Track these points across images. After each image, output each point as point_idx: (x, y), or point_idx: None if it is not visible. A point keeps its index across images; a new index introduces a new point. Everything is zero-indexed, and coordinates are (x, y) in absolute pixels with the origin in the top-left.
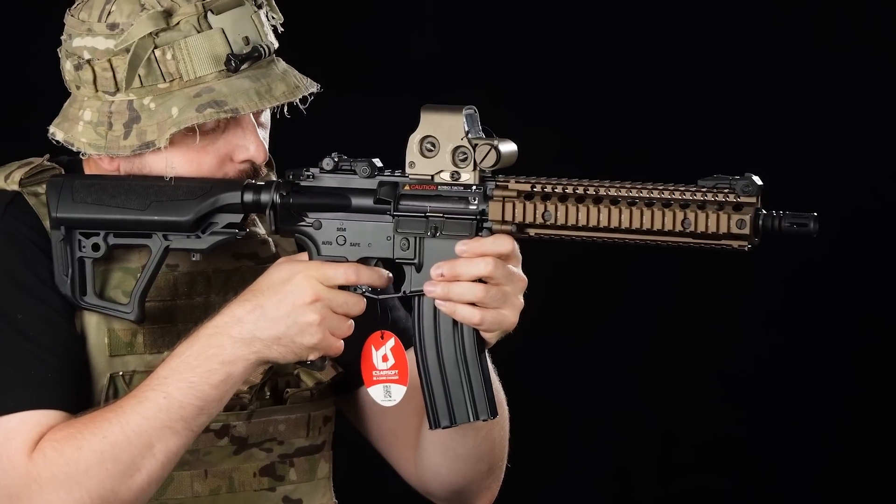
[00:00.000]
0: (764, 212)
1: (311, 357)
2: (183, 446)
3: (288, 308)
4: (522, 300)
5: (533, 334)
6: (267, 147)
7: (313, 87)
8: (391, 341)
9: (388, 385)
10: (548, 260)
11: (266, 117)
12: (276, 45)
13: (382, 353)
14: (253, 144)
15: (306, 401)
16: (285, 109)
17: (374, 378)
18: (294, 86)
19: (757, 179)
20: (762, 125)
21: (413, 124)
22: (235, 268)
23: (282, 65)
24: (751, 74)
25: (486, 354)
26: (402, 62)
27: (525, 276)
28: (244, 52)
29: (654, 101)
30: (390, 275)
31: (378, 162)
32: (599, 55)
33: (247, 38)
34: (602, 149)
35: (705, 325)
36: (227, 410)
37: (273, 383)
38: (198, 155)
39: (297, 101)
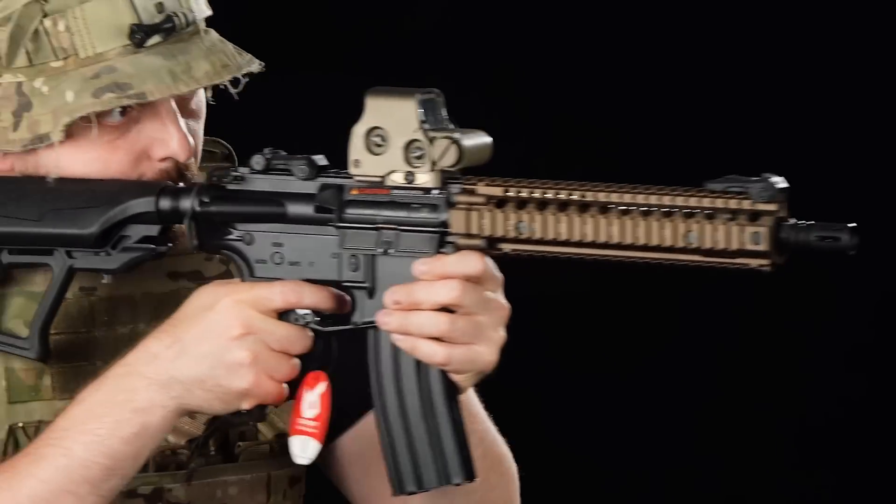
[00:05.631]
0: (787, 223)
1: (244, 406)
2: None
3: (211, 343)
4: (503, 332)
5: (558, 373)
6: (195, 140)
7: (250, 66)
8: (322, 385)
9: (306, 438)
10: (577, 277)
11: (198, 104)
12: (207, 12)
13: (311, 399)
14: (174, 138)
15: (265, 457)
16: (210, 95)
17: (298, 427)
18: (222, 64)
19: (779, 181)
20: (789, 116)
21: None
22: (172, 291)
23: (211, 38)
24: (772, 56)
25: (460, 401)
26: (392, 36)
27: (506, 303)
28: (155, 21)
29: (658, 88)
30: (346, 296)
31: (322, 160)
32: (606, 37)
33: (160, 4)
34: (603, 143)
35: (778, 364)
36: (160, 470)
37: (221, 435)
38: (104, 152)
39: (228, 83)
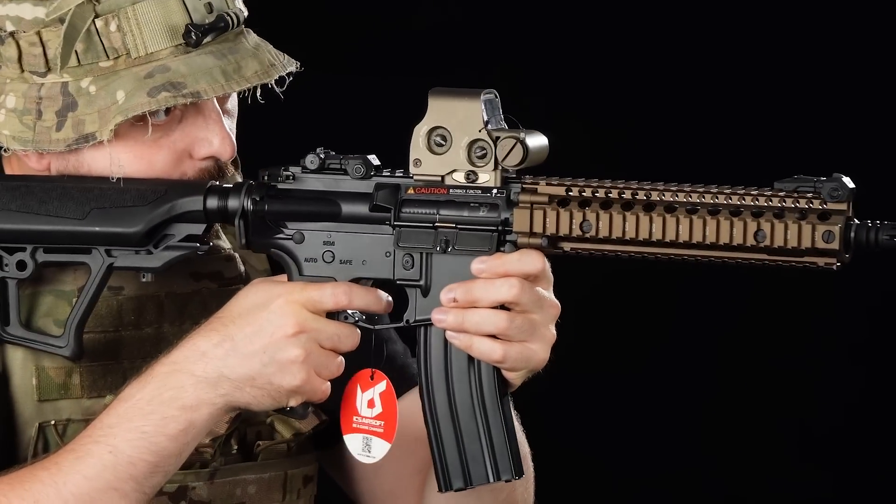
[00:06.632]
0: (856, 222)
1: (292, 403)
2: None
3: (264, 341)
4: (554, 331)
5: (561, 371)
6: (234, 139)
7: (291, 66)
8: (382, 384)
9: (368, 437)
10: (580, 278)
11: (232, 103)
12: (246, 13)
13: (369, 397)
14: (217, 137)
15: (282, 456)
16: (258, 94)
17: (354, 425)
18: (269, 64)
19: (848, 181)
20: (847, 114)
21: (418, 112)
22: (194, 290)
23: (252, 38)
24: (839, 52)
25: (509, 399)
26: (402, 35)
27: (557, 302)
28: (207, 21)
29: (660, 88)
30: (390, 298)
31: (375, 159)
32: (643, 25)
33: (209, 4)
34: (646, 143)
35: (779, 364)
36: (184, 468)
37: (241, 434)
38: (149, 150)
39: (273, 82)
